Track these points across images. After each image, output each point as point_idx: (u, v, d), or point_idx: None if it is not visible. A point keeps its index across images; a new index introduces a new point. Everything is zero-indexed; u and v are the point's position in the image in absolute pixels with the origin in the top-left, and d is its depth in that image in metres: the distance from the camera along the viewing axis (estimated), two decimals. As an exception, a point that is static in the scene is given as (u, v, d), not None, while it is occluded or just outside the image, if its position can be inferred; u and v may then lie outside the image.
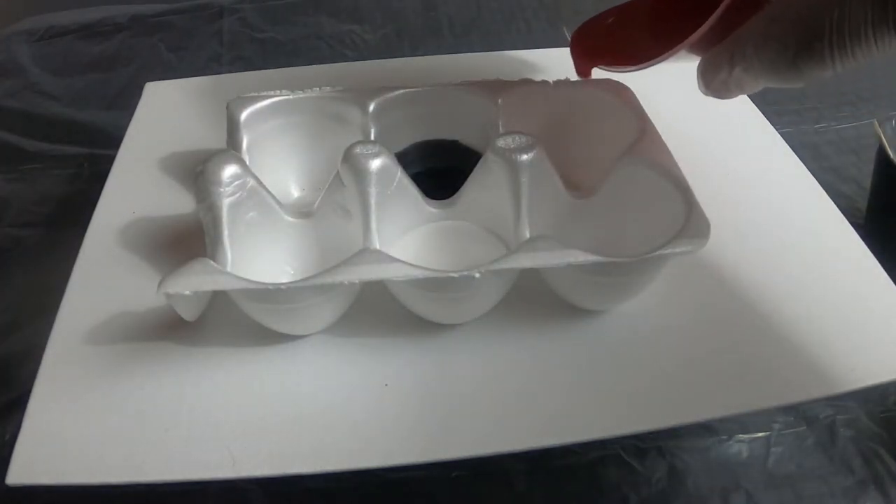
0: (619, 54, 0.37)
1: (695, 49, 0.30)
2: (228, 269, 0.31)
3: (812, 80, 0.25)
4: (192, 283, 0.29)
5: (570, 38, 0.41)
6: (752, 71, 0.26)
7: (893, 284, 0.35)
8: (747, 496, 0.32)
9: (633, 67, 0.34)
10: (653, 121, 0.38)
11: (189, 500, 0.32)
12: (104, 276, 0.35)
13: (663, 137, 0.37)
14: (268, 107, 0.39)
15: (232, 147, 0.38)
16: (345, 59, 0.62)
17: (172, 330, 0.33)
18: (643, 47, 0.34)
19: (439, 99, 0.41)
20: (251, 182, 0.34)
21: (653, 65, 0.33)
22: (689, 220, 0.31)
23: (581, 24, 0.41)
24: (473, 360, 0.32)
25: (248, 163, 0.36)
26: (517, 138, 0.35)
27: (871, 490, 0.33)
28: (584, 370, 0.32)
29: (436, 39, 0.65)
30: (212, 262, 0.30)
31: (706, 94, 0.29)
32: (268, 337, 0.32)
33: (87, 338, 0.33)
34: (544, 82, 0.41)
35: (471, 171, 0.36)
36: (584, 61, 0.40)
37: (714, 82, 0.28)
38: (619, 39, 0.40)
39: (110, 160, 0.42)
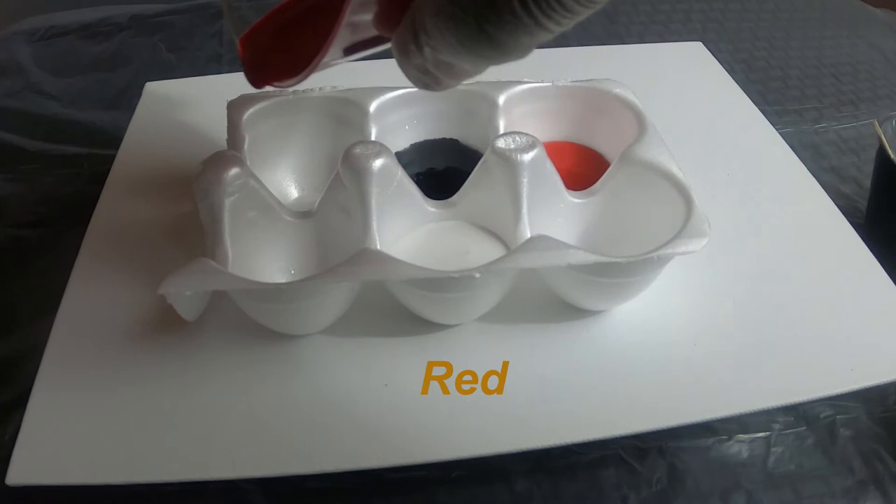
0: (290, 61, 0.28)
1: (383, 31, 0.23)
2: (228, 268, 0.31)
3: (522, 48, 0.18)
4: (192, 283, 0.29)
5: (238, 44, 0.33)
6: (441, 49, 0.19)
7: (893, 284, 0.35)
8: (747, 496, 0.32)
9: (294, 80, 0.27)
10: (653, 121, 0.38)
11: (189, 500, 0.32)
12: (104, 276, 0.35)
13: (663, 137, 0.37)
14: (268, 107, 0.39)
15: (232, 147, 0.38)
16: (345, 58, 0.62)
17: (172, 330, 0.33)
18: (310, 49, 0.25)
19: (439, 99, 0.41)
20: (251, 182, 0.34)
21: (313, 71, 0.25)
22: (689, 220, 0.31)
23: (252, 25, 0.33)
24: (473, 361, 0.32)
25: (248, 163, 0.36)
26: (517, 138, 0.35)
27: (871, 490, 0.33)
28: (584, 370, 0.32)
29: (436, 39, 0.65)
30: (212, 262, 0.30)
31: (419, 87, 0.22)
32: (268, 337, 0.32)
33: (87, 338, 0.33)
34: (544, 82, 0.41)
35: (471, 171, 0.36)
36: (255, 73, 0.31)
37: (411, 71, 0.21)
38: (288, 39, 0.32)
39: (110, 160, 0.42)
